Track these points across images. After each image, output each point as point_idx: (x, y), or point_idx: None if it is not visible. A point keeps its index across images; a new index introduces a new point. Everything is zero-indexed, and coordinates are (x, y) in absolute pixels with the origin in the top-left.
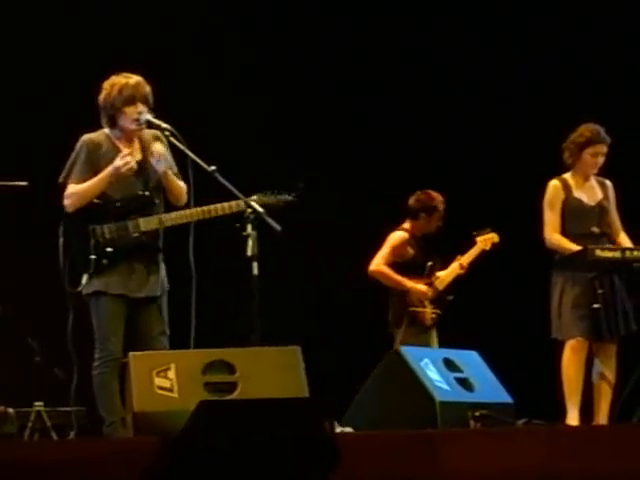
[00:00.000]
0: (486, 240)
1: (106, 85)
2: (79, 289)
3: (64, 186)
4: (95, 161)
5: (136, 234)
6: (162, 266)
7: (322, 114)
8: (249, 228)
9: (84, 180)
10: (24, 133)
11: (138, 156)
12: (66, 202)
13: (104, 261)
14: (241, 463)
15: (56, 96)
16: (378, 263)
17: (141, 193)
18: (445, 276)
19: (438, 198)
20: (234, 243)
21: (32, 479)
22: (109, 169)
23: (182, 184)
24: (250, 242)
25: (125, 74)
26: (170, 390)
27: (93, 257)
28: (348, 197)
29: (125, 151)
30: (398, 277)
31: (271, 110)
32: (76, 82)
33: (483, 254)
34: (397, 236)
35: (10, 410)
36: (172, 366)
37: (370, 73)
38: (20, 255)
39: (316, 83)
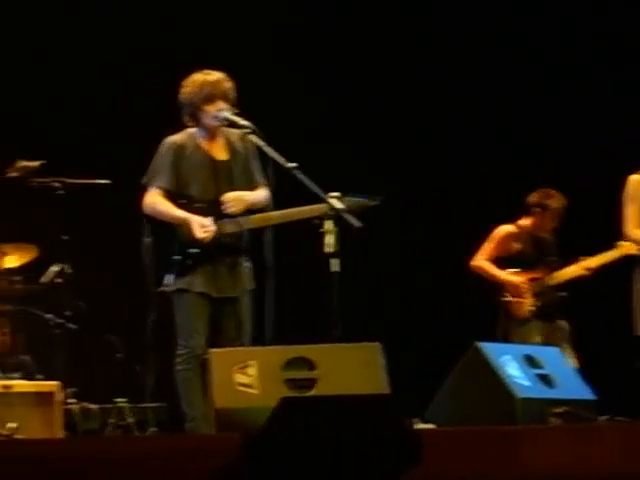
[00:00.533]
0: (630, 246)
1: (186, 83)
2: (163, 288)
3: (146, 188)
4: (179, 164)
5: (219, 235)
6: (246, 266)
7: (409, 109)
8: (328, 225)
9: (168, 184)
10: (108, 132)
11: (224, 155)
12: (143, 205)
13: (188, 262)
14: (321, 460)
15: (139, 95)
16: (478, 257)
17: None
18: (561, 274)
19: (555, 197)
20: (314, 239)
21: (114, 475)
22: (188, 221)
23: (261, 193)
24: (329, 239)
25: (206, 71)
26: (251, 387)
27: (177, 258)
28: (433, 194)
29: (206, 223)
30: (494, 271)
31: (356, 108)
32: (160, 81)
33: (622, 258)
34: (501, 230)
35: (93, 406)
36: (253, 363)
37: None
38: (103, 253)
39: (406, 79)
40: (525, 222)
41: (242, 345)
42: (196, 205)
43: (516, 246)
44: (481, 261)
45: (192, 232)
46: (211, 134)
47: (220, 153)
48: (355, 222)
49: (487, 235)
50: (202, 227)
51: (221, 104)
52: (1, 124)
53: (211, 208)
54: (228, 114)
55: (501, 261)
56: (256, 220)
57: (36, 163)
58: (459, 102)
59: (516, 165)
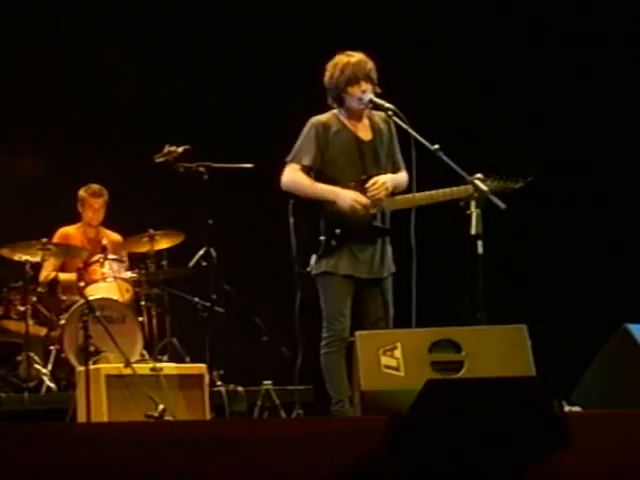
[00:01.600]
0: None
1: (329, 66)
2: (308, 269)
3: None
4: (324, 142)
5: (364, 216)
6: (389, 248)
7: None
8: (473, 206)
9: (312, 161)
10: (252, 117)
11: (369, 135)
12: (283, 180)
13: (333, 242)
14: (468, 443)
15: (281, 80)
16: None
17: (370, 175)
18: None
19: None
20: (459, 221)
21: (262, 457)
22: (337, 194)
23: (404, 176)
24: (474, 220)
25: (347, 52)
26: (397, 369)
27: (323, 238)
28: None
29: (357, 196)
30: None
31: (498, 95)
32: (304, 63)
33: None
34: None
35: (240, 389)
36: (398, 345)
37: None
38: (248, 237)
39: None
40: None
41: (386, 327)
42: (340, 185)
43: None
44: None
45: (342, 203)
46: (356, 115)
47: (365, 134)
48: (501, 204)
49: None
50: (353, 200)
51: (364, 85)
52: (149, 110)
53: (356, 188)
54: (372, 96)
55: None
56: (401, 201)
57: (180, 148)
58: None
59: None
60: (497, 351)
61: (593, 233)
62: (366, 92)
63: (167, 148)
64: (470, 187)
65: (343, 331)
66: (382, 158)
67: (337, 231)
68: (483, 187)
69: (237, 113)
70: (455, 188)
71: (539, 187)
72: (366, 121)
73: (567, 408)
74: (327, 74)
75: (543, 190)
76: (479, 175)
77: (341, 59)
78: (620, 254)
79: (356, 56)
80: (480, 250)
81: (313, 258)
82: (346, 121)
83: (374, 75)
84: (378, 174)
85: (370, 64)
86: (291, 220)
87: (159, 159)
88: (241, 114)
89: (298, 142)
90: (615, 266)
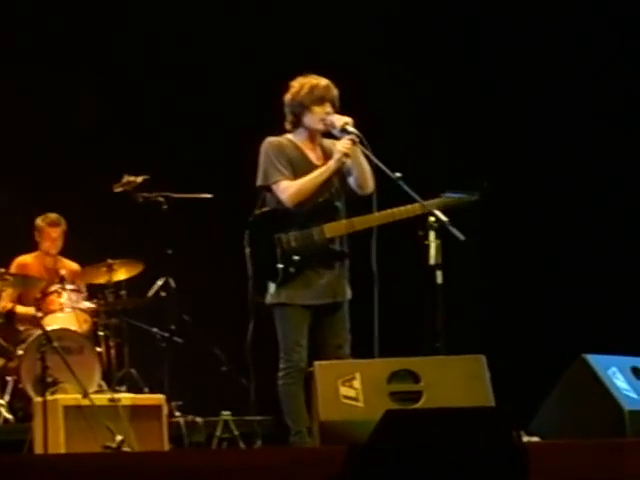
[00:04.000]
0: None
1: (295, 83)
2: (268, 298)
3: (267, 188)
4: (283, 159)
5: (321, 241)
6: (346, 273)
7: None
8: (432, 236)
9: (287, 173)
10: (211, 147)
11: (321, 160)
12: (283, 197)
13: (291, 269)
14: (427, 473)
15: (240, 109)
16: None
17: (324, 199)
18: None
19: None
20: (417, 251)
21: None
22: (336, 156)
23: (367, 166)
24: (433, 250)
25: (314, 76)
26: (356, 399)
27: (281, 266)
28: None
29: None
30: None
31: (450, 110)
32: (260, 94)
33: None
34: None
35: (198, 419)
36: (357, 375)
37: None
38: (206, 267)
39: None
40: None
41: (345, 354)
42: (297, 211)
43: None
44: None
45: (337, 156)
46: (310, 137)
47: (317, 157)
48: (460, 235)
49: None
50: (344, 146)
51: (328, 108)
52: (107, 140)
53: (311, 213)
54: (335, 118)
55: None
56: (364, 220)
57: (140, 178)
58: None
59: None
60: (456, 381)
61: (551, 262)
62: (329, 114)
63: (126, 178)
64: (419, 206)
65: (301, 362)
66: (334, 182)
67: (295, 258)
68: (443, 217)
69: (196, 143)
70: (413, 205)
71: (496, 214)
72: (318, 147)
73: (526, 438)
74: (292, 90)
75: (500, 217)
76: (438, 200)
77: (309, 80)
78: (579, 284)
79: (324, 80)
80: (439, 280)
81: (272, 287)
82: (300, 144)
83: (337, 102)
84: (328, 199)
85: (336, 91)
86: (247, 250)
87: (118, 189)
88: (200, 144)
89: (262, 164)
90: (574, 296)
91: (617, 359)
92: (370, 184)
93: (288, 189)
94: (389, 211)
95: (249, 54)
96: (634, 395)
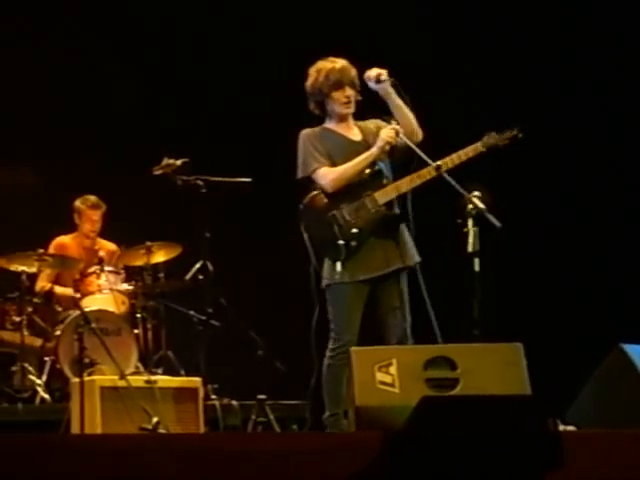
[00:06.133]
0: None
1: (312, 71)
2: (328, 278)
3: (308, 178)
4: (321, 147)
5: (375, 209)
6: (407, 236)
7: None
8: (470, 224)
9: (325, 162)
10: (252, 130)
11: (358, 136)
12: (323, 183)
13: (353, 243)
14: (462, 460)
15: (281, 94)
16: None
17: (370, 169)
18: None
19: None
20: (456, 239)
21: (255, 471)
22: (373, 149)
23: (411, 115)
24: (471, 238)
25: (330, 59)
26: (391, 385)
27: (342, 242)
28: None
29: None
30: None
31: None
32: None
33: None
34: None
35: (234, 402)
36: (394, 361)
37: None
38: (244, 250)
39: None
40: None
41: (403, 316)
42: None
43: None
44: None
45: (380, 147)
46: (342, 120)
47: (354, 135)
48: (496, 222)
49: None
50: (385, 140)
51: (349, 91)
52: (148, 122)
53: (358, 184)
54: (373, 71)
55: None
56: (410, 180)
57: (179, 161)
58: None
59: None
60: (493, 369)
61: (592, 252)
62: (350, 97)
63: (165, 161)
64: (471, 149)
65: (350, 342)
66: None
67: (354, 230)
68: (480, 205)
69: (236, 126)
70: (461, 151)
71: (537, 203)
72: (353, 126)
73: (562, 427)
74: (310, 79)
75: (540, 206)
76: (477, 193)
77: (325, 65)
78: (619, 273)
79: (340, 62)
80: (477, 268)
81: (338, 265)
82: (335, 128)
83: (357, 82)
84: (373, 168)
85: (354, 71)
86: (305, 236)
87: (157, 171)
88: (240, 128)
89: (300, 156)
90: (614, 284)
91: None
92: (418, 131)
93: (328, 175)
94: (436, 163)
95: (291, 38)
96: None
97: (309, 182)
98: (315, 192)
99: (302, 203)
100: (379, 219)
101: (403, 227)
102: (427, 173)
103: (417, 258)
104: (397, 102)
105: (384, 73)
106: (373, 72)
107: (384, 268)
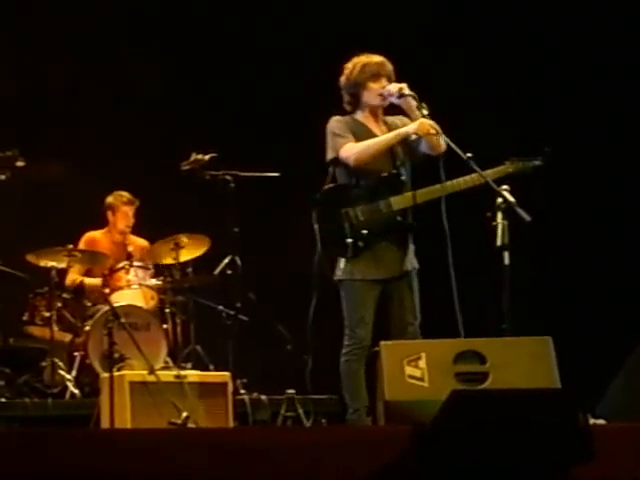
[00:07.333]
0: None
1: (348, 65)
2: (337, 274)
3: (336, 160)
4: (350, 132)
5: (389, 213)
6: (411, 245)
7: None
8: (499, 217)
9: (353, 138)
10: (280, 125)
11: (385, 132)
12: (345, 155)
13: (360, 243)
14: (492, 454)
15: (309, 89)
16: None
17: (389, 172)
18: None
19: None
20: (485, 232)
21: (284, 465)
22: (413, 126)
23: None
24: (500, 232)
25: (367, 54)
26: (421, 379)
27: (350, 240)
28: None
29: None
30: None
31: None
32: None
33: None
34: None
35: (263, 397)
36: (423, 355)
37: None
38: (272, 245)
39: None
40: None
41: (411, 327)
42: (362, 184)
43: None
44: None
45: (417, 130)
46: (372, 114)
47: (381, 130)
48: (526, 216)
49: None
50: (424, 124)
51: (385, 82)
52: (176, 117)
53: (377, 186)
54: (394, 86)
55: None
56: (428, 191)
57: (207, 156)
58: None
59: None
60: (522, 363)
61: (622, 246)
62: (386, 88)
63: (194, 156)
64: (491, 173)
65: (365, 339)
66: (399, 155)
67: (364, 231)
68: (510, 198)
69: (264, 121)
70: (475, 174)
71: (568, 197)
72: (381, 123)
73: (592, 421)
74: (346, 72)
75: (571, 201)
76: (505, 186)
77: (361, 59)
78: None
79: (377, 57)
80: (506, 261)
81: (342, 262)
82: (363, 121)
83: (393, 77)
84: (393, 172)
85: (390, 67)
86: (316, 226)
87: (186, 167)
88: (268, 122)
89: (329, 140)
90: None
91: None
92: (441, 143)
93: (352, 149)
94: (456, 180)
95: (319, 32)
96: None
97: (337, 165)
98: (334, 185)
99: (319, 192)
100: (390, 225)
101: (410, 237)
102: (444, 189)
103: (416, 264)
104: (419, 115)
105: (405, 87)
106: (394, 87)
107: (394, 271)
